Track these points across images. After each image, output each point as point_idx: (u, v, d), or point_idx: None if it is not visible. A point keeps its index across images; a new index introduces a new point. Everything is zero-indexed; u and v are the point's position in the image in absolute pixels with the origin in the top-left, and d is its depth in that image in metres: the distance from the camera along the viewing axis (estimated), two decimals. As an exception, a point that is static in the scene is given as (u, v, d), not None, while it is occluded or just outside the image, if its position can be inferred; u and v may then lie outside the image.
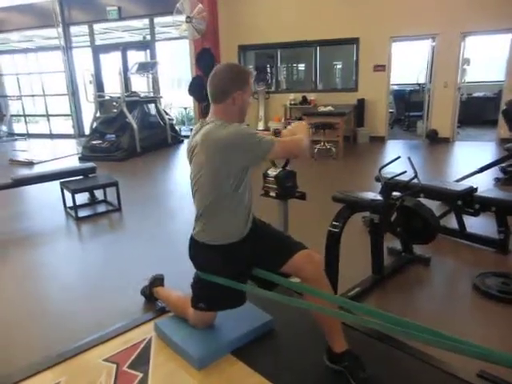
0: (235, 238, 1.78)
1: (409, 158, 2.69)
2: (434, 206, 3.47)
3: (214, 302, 1.90)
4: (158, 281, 2.43)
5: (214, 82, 1.71)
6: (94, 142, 7.72)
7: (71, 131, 10.96)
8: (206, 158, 1.66)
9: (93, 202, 4.70)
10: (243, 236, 1.79)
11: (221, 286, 1.78)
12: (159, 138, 8.48)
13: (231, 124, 1.66)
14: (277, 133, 1.92)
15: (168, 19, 9.41)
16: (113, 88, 9.55)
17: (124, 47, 10.37)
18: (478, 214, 3.12)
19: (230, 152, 1.61)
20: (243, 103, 1.72)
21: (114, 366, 1.88)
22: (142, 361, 1.90)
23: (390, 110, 9.17)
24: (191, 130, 1.94)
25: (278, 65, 9.15)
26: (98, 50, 10.56)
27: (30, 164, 7.29)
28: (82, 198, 4.60)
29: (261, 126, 8.65)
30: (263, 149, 1.62)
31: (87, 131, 9.05)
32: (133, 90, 9.18)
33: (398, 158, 2.64)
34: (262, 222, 1.93)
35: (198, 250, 1.84)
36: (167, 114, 9.17)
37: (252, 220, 1.85)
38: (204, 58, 8.28)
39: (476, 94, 9.71)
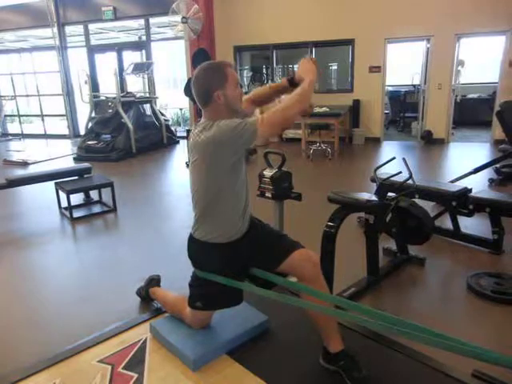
0: (234, 237, 1.78)
1: (404, 159, 2.71)
2: (428, 206, 3.50)
3: (210, 301, 1.90)
4: (154, 281, 2.43)
5: (195, 88, 1.72)
6: (90, 143, 7.69)
7: (66, 131, 10.92)
8: (199, 159, 1.68)
9: (88, 202, 4.69)
10: (242, 234, 1.80)
11: (218, 285, 1.78)
12: (155, 139, 8.46)
13: (217, 122, 1.62)
14: (290, 79, 1.94)
15: (164, 20, 9.41)
16: (108, 88, 9.53)
17: (119, 47, 10.36)
18: (473, 214, 3.14)
19: (218, 150, 1.61)
20: (227, 99, 1.68)
21: (109, 367, 1.87)
22: (137, 362, 1.90)
23: (386, 111, 9.20)
24: (187, 130, 1.93)
25: (274, 66, 9.16)
26: (93, 50, 10.53)
27: (24, 164, 7.25)
28: (77, 198, 4.58)
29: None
30: (247, 136, 1.58)
31: (82, 131, 9.00)
32: (128, 90, 9.15)
33: (393, 158, 2.66)
34: (259, 220, 1.94)
35: (197, 249, 1.85)
36: (163, 114, 9.16)
37: (250, 218, 1.86)
38: (200, 59, 8.26)
39: (471, 96, 9.78)
